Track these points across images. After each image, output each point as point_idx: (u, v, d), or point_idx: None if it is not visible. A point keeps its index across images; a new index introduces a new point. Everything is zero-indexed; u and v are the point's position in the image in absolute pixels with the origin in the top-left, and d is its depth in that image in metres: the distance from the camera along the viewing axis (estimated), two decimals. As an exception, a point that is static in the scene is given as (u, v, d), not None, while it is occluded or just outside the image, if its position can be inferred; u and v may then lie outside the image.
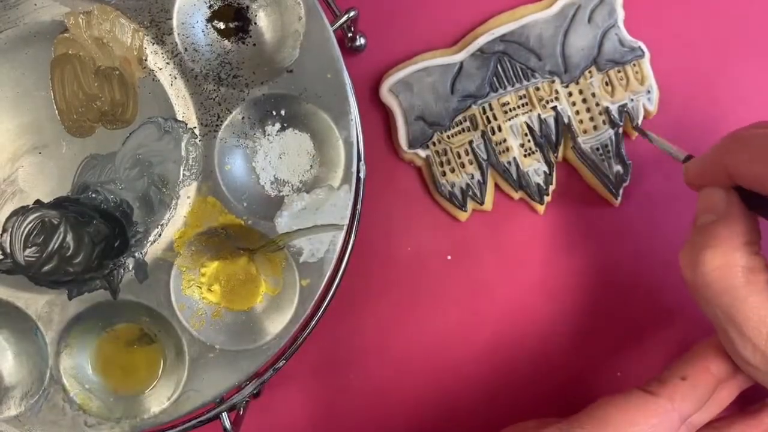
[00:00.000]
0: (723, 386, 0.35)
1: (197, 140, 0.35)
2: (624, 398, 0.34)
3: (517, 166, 0.41)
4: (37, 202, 0.34)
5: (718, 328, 0.34)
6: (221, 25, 0.35)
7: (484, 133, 0.41)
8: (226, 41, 0.35)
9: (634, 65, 0.41)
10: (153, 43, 0.35)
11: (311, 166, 0.35)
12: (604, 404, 0.34)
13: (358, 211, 0.36)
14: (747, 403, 0.37)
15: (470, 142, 0.41)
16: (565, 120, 0.41)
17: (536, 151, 0.41)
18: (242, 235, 0.35)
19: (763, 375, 0.33)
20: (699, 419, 0.35)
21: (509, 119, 0.41)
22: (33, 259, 0.34)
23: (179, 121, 0.35)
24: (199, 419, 0.35)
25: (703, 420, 0.35)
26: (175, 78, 0.35)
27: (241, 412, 0.36)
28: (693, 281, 0.33)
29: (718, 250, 0.32)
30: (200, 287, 0.35)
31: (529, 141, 0.41)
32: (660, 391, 0.34)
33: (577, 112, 0.41)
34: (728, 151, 0.33)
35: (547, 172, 0.41)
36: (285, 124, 0.35)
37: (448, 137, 0.41)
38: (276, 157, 0.35)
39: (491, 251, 0.42)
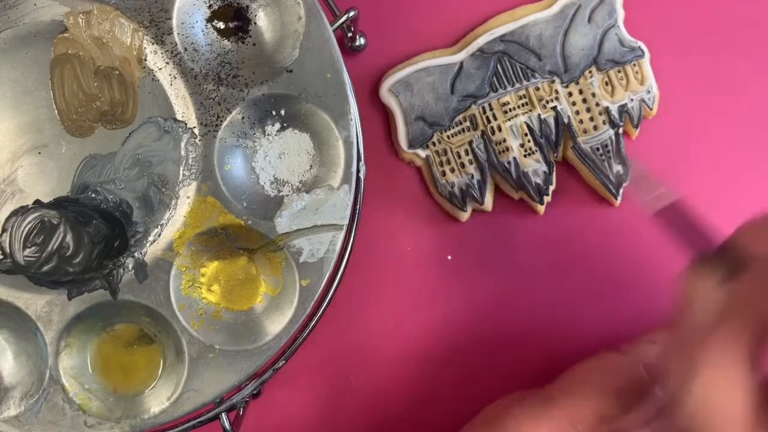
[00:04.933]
0: None
1: (197, 140, 0.34)
2: (596, 359, 0.37)
3: (517, 166, 0.41)
4: (37, 202, 0.34)
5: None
6: (221, 25, 0.35)
7: (484, 133, 0.41)
8: (226, 41, 0.35)
9: (634, 65, 0.41)
10: (153, 43, 0.35)
11: (311, 166, 0.35)
12: (577, 367, 0.37)
13: (358, 211, 0.36)
14: None
15: (470, 142, 0.41)
16: (565, 120, 0.41)
17: (536, 151, 0.41)
18: (242, 235, 0.35)
19: None
20: None
21: (509, 119, 0.41)
22: (33, 259, 0.34)
23: (179, 120, 0.35)
24: (198, 419, 0.35)
25: None
26: (175, 78, 0.35)
27: (240, 412, 0.36)
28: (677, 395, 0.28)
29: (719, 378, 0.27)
30: (200, 287, 0.35)
31: (529, 141, 0.41)
32: (628, 350, 0.36)
33: (577, 112, 0.41)
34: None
35: (547, 172, 0.41)
36: (285, 124, 0.35)
37: (448, 137, 0.41)
38: (276, 157, 0.35)
39: (491, 251, 0.42)
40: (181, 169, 0.35)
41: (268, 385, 0.37)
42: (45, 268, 0.34)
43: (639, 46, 0.41)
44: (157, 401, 0.35)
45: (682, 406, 0.27)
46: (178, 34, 0.34)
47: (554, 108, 0.41)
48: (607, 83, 0.41)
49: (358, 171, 0.35)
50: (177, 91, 0.35)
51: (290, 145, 0.35)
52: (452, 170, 0.41)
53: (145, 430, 0.34)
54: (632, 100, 0.41)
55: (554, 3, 0.41)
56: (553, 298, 0.42)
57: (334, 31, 0.35)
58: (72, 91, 0.35)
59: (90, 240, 0.34)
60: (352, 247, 0.36)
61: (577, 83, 0.41)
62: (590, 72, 0.41)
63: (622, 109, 0.41)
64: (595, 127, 0.41)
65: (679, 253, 0.39)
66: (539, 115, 0.41)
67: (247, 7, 0.35)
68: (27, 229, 0.34)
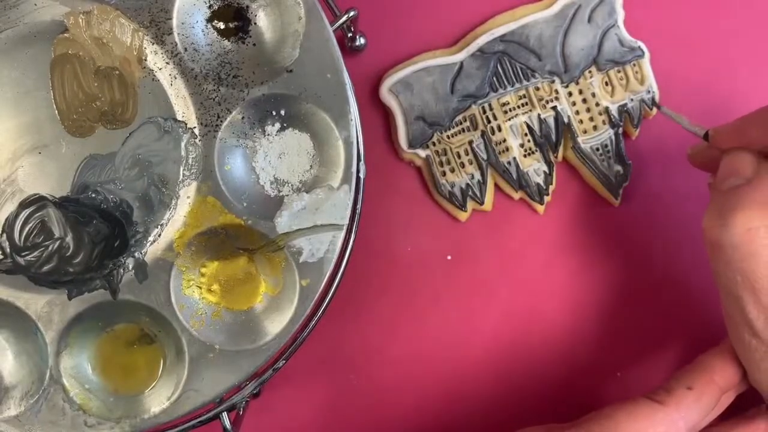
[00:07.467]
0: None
1: (197, 140, 0.35)
2: (631, 406, 0.34)
3: (517, 166, 0.41)
4: (37, 195, 0.34)
5: (729, 296, 0.33)
6: (221, 25, 0.35)
7: (484, 133, 0.41)
8: (226, 41, 0.35)
9: (634, 65, 0.41)
10: (153, 43, 0.35)
11: (311, 166, 0.35)
12: (611, 412, 0.34)
13: (358, 211, 0.36)
14: (742, 405, 0.37)
15: (470, 142, 0.41)
16: (565, 120, 0.41)
17: (536, 151, 0.41)
18: (242, 235, 0.35)
19: (763, 353, 0.33)
20: (700, 424, 0.35)
21: (509, 119, 0.41)
22: (33, 259, 0.34)
23: (179, 121, 0.35)
24: (198, 419, 0.35)
25: (702, 424, 0.35)
26: (175, 78, 0.35)
27: (240, 412, 0.36)
28: (719, 242, 0.33)
29: (750, 212, 0.32)
30: (200, 287, 0.35)
31: (529, 141, 0.41)
32: (667, 400, 0.34)
33: (577, 112, 0.41)
34: None
35: (547, 172, 0.41)
36: (285, 124, 0.35)
37: (448, 137, 0.41)
38: (276, 157, 0.35)
39: (491, 251, 0.42)
40: (182, 169, 0.35)
41: (268, 385, 0.37)
42: (45, 268, 0.34)
43: (639, 46, 0.41)
44: (158, 401, 0.35)
45: (720, 247, 0.33)
46: (179, 34, 0.34)
47: (554, 108, 0.41)
48: (607, 83, 0.41)
49: (358, 171, 0.35)
50: (177, 91, 0.35)
51: (290, 145, 0.35)
52: (452, 170, 0.41)
53: (145, 430, 0.34)
54: (632, 100, 0.41)
55: (554, 3, 0.41)
56: (552, 298, 0.42)
57: (334, 31, 0.35)
58: (72, 91, 0.35)
59: (90, 240, 0.34)
60: (352, 247, 0.36)
61: (577, 83, 0.41)
62: (590, 72, 0.41)
63: (622, 109, 0.41)
64: (595, 127, 0.41)
65: (678, 253, 0.39)
66: (539, 115, 0.41)
67: (247, 7, 0.35)
68: (27, 229, 0.34)
